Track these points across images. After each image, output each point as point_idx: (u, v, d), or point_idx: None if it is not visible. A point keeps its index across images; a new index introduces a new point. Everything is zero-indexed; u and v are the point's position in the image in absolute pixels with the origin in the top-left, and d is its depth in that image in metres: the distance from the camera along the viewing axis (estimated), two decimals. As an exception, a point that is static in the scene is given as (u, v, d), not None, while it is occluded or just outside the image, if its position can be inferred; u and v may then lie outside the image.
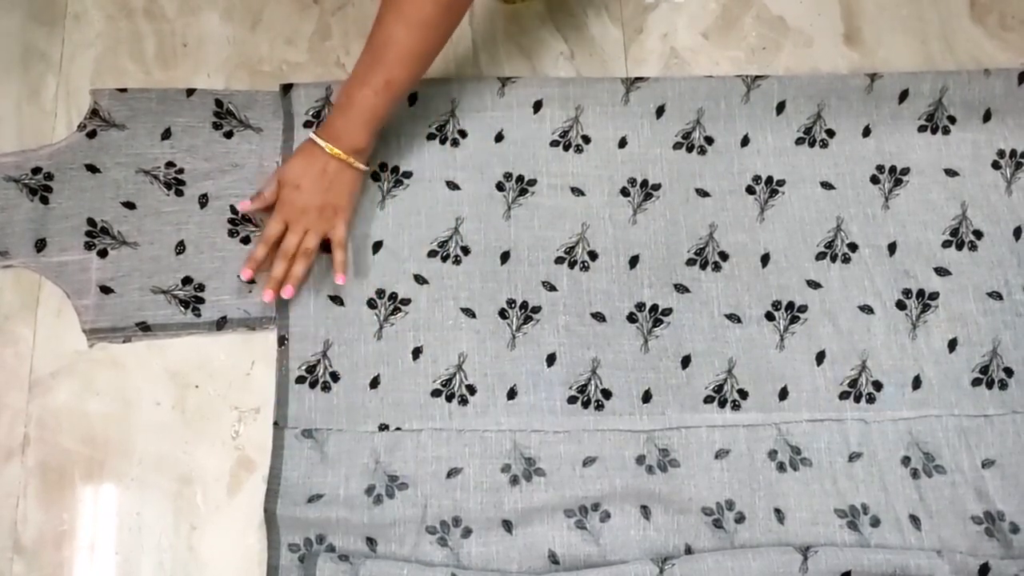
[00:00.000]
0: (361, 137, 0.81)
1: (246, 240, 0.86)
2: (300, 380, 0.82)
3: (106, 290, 0.84)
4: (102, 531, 0.78)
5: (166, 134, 0.89)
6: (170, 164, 0.88)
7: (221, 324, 0.83)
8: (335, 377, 0.83)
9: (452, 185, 0.90)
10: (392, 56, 0.78)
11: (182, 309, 0.84)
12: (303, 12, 0.96)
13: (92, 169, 0.87)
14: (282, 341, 0.83)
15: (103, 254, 0.85)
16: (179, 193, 0.87)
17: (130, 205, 0.86)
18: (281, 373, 0.82)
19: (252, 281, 0.84)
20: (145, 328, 0.83)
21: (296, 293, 0.82)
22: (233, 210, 0.87)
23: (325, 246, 0.84)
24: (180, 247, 0.86)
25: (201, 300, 0.84)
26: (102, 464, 0.79)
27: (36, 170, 0.87)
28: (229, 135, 0.89)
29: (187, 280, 0.85)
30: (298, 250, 0.82)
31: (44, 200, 0.86)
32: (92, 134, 0.88)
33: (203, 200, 0.87)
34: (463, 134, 0.92)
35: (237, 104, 0.90)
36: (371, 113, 0.80)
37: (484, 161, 0.91)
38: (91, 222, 0.86)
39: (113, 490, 0.79)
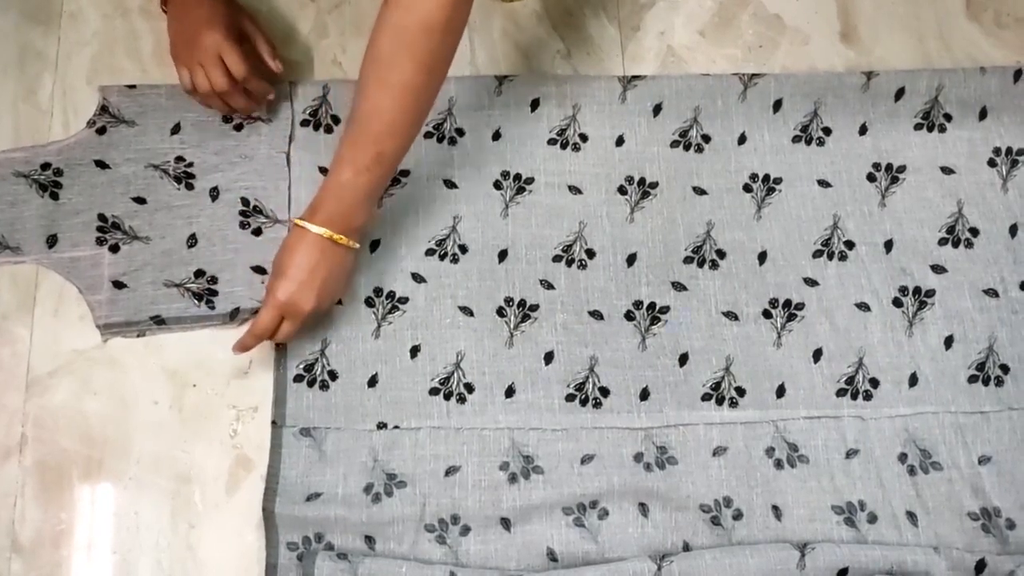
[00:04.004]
0: (358, 217, 0.77)
1: (257, 231, 0.86)
2: (298, 379, 0.82)
3: (119, 285, 0.84)
4: (100, 530, 0.78)
5: (176, 129, 0.89)
6: (180, 158, 0.88)
7: (234, 315, 0.83)
8: (333, 376, 0.83)
9: (449, 183, 0.90)
10: (380, 128, 0.74)
11: (196, 302, 0.84)
12: (300, 11, 0.96)
13: (102, 165, 0.87)
14: (280, 340, 0.83)
15: (115, 249, 0.85)
16: (189, 187, 0.87)
17: (140, 200, 0.87)
18: (279, 372, 0.82)
19: (264, 272, 0.84)
20: (160, 322, 0.83)
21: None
22: (244, 202, 0.87)
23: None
24: (192, 240, 0.86)
25: (214, 292, 0.84)
26: (100, 463, 0.79)
27: (45, 166, 0.87)
28: (239, 127, 0.89)
29: (200, 273, 0.85)
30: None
31: (54, 196, 0.86)
32: (102, 130, 0.88)
33: (214, 193, 0.87)
34: (460, 132, 0.91)
35: None
36: (364, 193, 0.76)
37: (481, 159, 0.91)
38: (102, 217, 0.86)
39: (111, 489, 0.79)
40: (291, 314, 0.77)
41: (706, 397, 0.84)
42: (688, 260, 0.88)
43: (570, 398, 0.83)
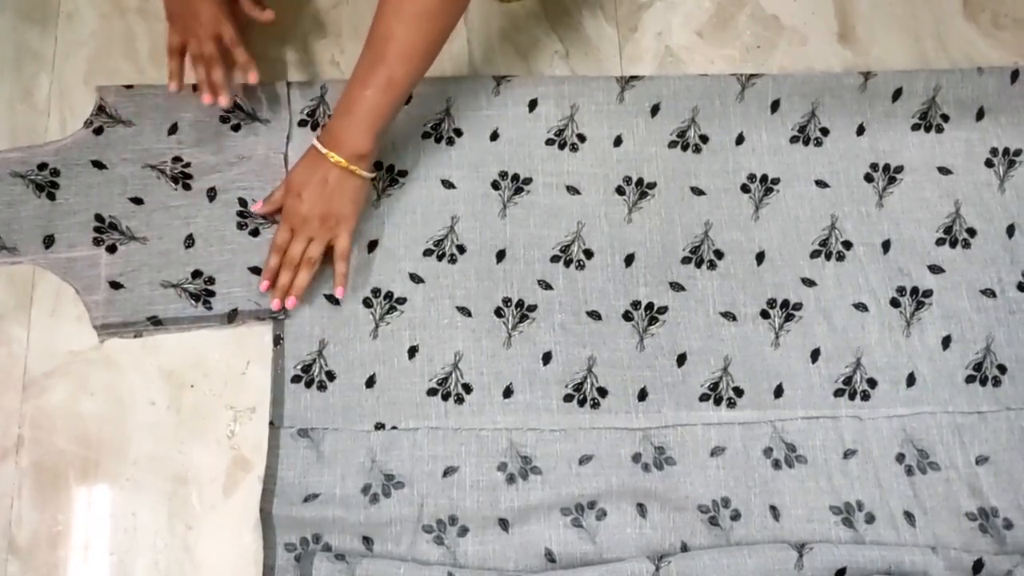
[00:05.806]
0: (364, 142, 0.79)
1: (255, 232, 0.86)
2: (296, 379, 0.82)
3: (116, 285, 0.84)
4: (97, 531, 0.78)
5: (173, 129, 0.89)
6: (177, 159, 0.88)
7: (232, 317, 0.83)
8: (331, 376, 0.83)
9: (447, 184, 0.90)
10: (392, 53, 0.76)
11: (193, 302, 0.83)
12: (298, 11, 0.96)
13: (99, 165, 0.87)
14: (277, 340, 0.83)
15: (112, 250, 0.85)
16: (187, 187, 0.87)
17: (138, 200, 0.87)
18: (276, 372, 0.82)
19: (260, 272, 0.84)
20: (156, 322, 0.83)
21: (300, 302, 0.83)
22: (241, 203, 0.87)
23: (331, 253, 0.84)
24: (189, 241, 0.86)
25: (212, 293, 0.84)
26: (97, 464, 0.79)
27: (42, 166, 0.87)
28: (236, 128, 0.89)
29: (197, 273, 0.84)
30: (302, 259, 0.81)
31: (51, 196, 0.86)
32: (99, 130, 0.88)
33: (211, 193, 0.87)
34: (458, 133, 0.91)
35: (244, 97, 0.90)
36: (373, 115, 0.78)
37: (479, 160, 0.91)
38: (99, 218, 0.86)
39: (108, 490, 0.79)
40: (297, 226, 0.81)
41: (704, 397, 0.84)
42: (686, 260, 0.88)
43: (568, 398, 0.83)
